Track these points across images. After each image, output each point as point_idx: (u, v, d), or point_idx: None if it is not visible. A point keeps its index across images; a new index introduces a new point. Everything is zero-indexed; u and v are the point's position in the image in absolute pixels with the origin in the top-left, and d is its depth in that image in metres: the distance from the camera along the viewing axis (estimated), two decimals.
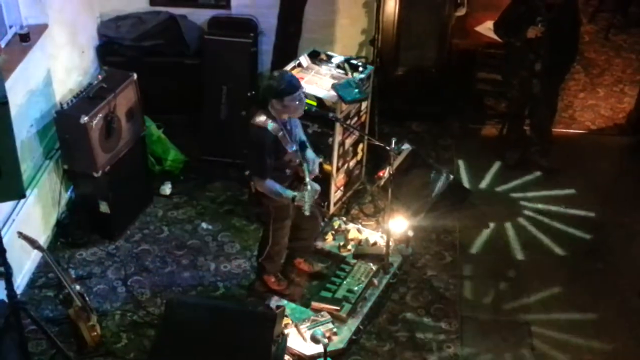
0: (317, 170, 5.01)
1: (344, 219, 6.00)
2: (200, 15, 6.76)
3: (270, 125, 4.76)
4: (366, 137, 5.94)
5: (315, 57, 5.98)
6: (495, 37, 6.45)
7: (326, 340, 4.79)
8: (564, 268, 5.74)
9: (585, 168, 6.65)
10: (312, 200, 4.88)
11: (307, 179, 4.84)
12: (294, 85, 4.75)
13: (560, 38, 6.05)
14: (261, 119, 4.78)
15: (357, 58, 6.05)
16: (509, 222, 6.10)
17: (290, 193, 4.85)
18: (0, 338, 4.62)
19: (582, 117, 7.25)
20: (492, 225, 6.05)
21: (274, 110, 4.78)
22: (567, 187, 6.43)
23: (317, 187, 4.89)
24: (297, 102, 4.77)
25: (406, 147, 6.39)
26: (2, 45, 5.36)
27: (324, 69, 5.86)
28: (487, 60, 7.07)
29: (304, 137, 5.05)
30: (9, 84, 4.85)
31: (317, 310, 5.17)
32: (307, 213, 4.90)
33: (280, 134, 4.80)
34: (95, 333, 4.93)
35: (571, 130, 7.09)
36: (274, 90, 4.76)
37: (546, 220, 6.15)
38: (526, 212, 6.21)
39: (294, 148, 4.92)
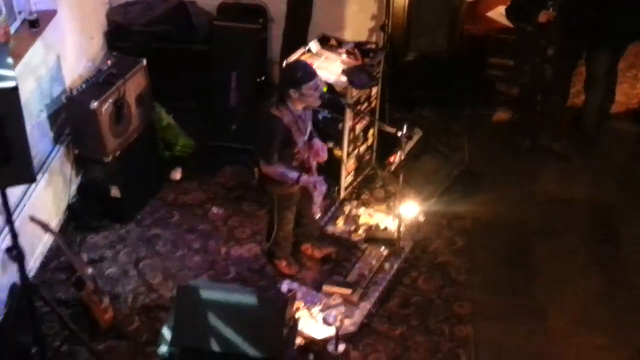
0: (325, 156, 5.03)
1: (355, 203, 5.99)
2: (209, 1, 6.73)
3: (286, 118, 4.76)
4: (377, 123, 5.91)
5: (325, 42, 5.96)
6: (507, 22, 6.42)
7: (338, 324, 4.83)
8: (578, 254, 5.71)
9: (597, 154, 6.61)
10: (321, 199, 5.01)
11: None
12: (310, 73, 4.75)
13: (572, 23, 6.01)
14: (277, 109, 4.77)
15: (367, 43, 6.01)
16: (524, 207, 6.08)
17: (294, 173, 4.86)
18: (14, 320, 4.64)
19: None
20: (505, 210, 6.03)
21: (291, 101, 4.76)
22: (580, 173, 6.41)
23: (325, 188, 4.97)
24: (314, 91, 4.75)
25: (417, 132, 6.39)
26: (12, 32, 5.34)
27: (334, 54, 5.83)
28: (498, 46, 7.00)
29: (311, 128, 5.06)
30: (18, 70, 4.85)
31: (329, 294, 5.17)
32: (317, 215, 5.11)
33: (294, 127, 4.80)
34: (107, 315, 4.94)
35: None
36: (290, 79, 4.75)
37: (559, 205, 6.12)
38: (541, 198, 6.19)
39: (305, 140, 4.92)
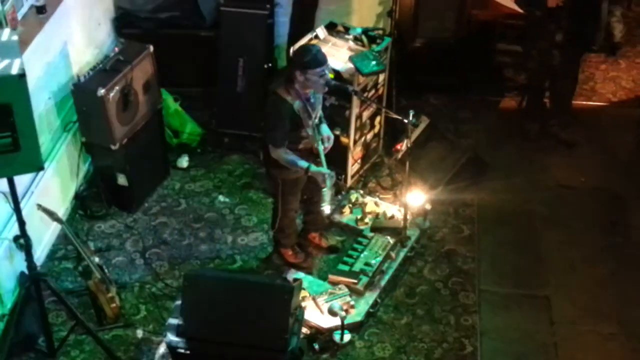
0: (330, 146, 5.00)
1: (361, 192, 5.97)
2: None
3: (296, 103, 4.73)
4: (384, 110, 5.89)
5: (332, 28, 5.92)
6: (515, 7, 6.37)
7: (343, 313, 4.85)
8: (584, 242, 5.69)
9: (605, 141, 6.57)
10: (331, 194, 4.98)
11: (327, 173, 4.83)
12: (318, 60, 4.70)
13: (581, 8, 5.95)
14: (286, 92, 4.74)
15: (374, 29, 5.97)
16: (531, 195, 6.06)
17: (304, 163, 4.83)
18: (21, 309, 4.67)
19: (603, 90, 7.16)
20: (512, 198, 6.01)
21: (298, 84, 4.74)
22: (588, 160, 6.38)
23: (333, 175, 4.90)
24: (319, 78, 4.71)
25: (424, 119, 6.36)
26: (19, 18, 5.33)
27: (341, 40, 5.79)
28: (506, 32, 6.98)
29: (321, 113, 5.03)
30: (26, 57, 4.84)
31: (335, 283, 5.18)
32: (327, 211, 5.05)
33: (302, 110, 4.77)
34: (114, 305, 4.96)
35: (592, 103, 7.01)
36: (298, 62, 4.73)
37: (567, 193, 6.10)
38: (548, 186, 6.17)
39: (313, 125, 4.89)
